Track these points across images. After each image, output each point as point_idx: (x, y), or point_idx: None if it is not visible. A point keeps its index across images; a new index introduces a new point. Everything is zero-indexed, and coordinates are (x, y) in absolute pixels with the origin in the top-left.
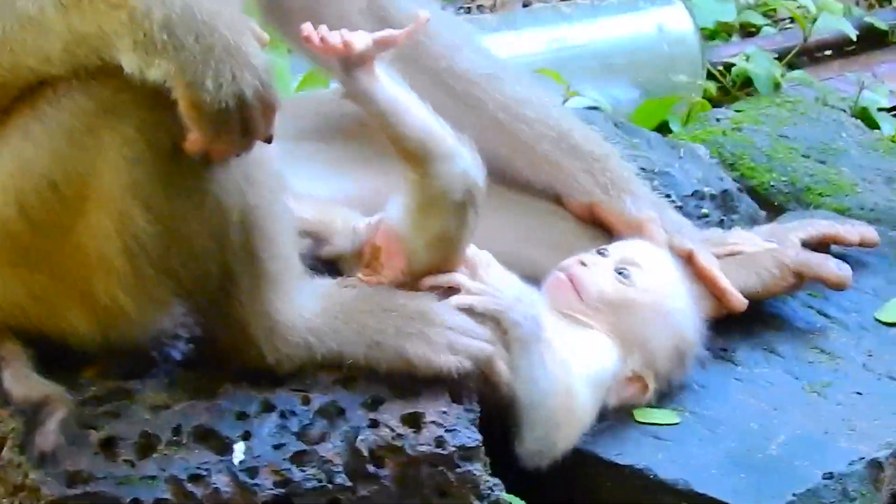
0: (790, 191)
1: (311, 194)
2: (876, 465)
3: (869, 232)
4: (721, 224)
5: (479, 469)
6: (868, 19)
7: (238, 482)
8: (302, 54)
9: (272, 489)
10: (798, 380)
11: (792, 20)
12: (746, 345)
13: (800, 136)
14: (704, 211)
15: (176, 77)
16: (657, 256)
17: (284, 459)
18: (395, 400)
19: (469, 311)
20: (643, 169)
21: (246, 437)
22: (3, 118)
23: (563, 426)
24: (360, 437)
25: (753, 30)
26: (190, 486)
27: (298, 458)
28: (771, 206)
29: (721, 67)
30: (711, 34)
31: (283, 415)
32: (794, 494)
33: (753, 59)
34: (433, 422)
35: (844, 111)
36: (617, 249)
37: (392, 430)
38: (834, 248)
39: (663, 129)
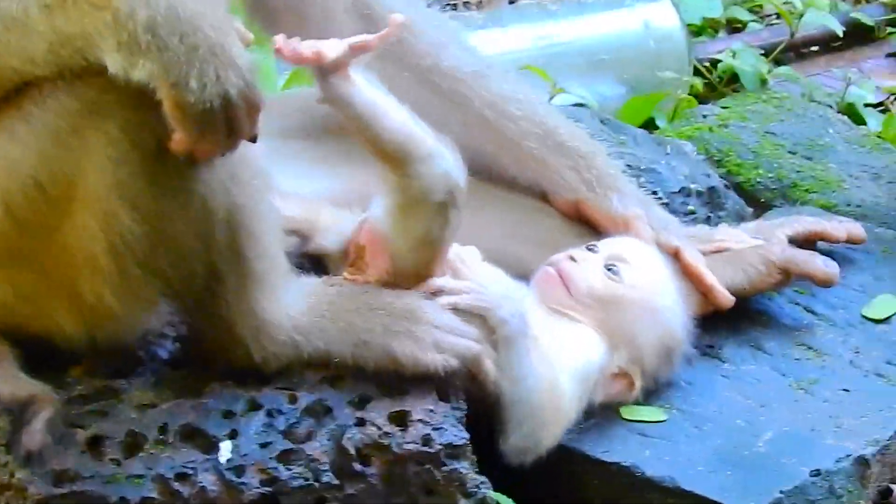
0: (777, 187)
1: (297, 192)
2: (863, 462)
3: (856, 228)
4: (708, 221)
5: (465, 467)
6: (854, 15)
7: (225, 481)
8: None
9: (259, 488)
10: (785, 377)
11: (778, 16)
12: (733, 342)
13: (786, 132)
14: (691, 208)
15: (160, 77)
16: (646, 253)
17: (271, 458)
18: (382, 398)
19: (456, 309)
20: (629, 166)
21: (233, 435)
22: None
23: (548, 423)
24: (346, 436)
25: (740, 26)
26: (176, 485)
27: (285, 457)
28: (757, 202)
29: (707, 64)
30: (698, 30)
31: (269, 413)
32: (781, 491)
33: (740, 55)
34: (420, 420)
35: (831, 107)
36: (606, 246)
37: (379, 428)
38: (821, 244)
39: (650, 125)
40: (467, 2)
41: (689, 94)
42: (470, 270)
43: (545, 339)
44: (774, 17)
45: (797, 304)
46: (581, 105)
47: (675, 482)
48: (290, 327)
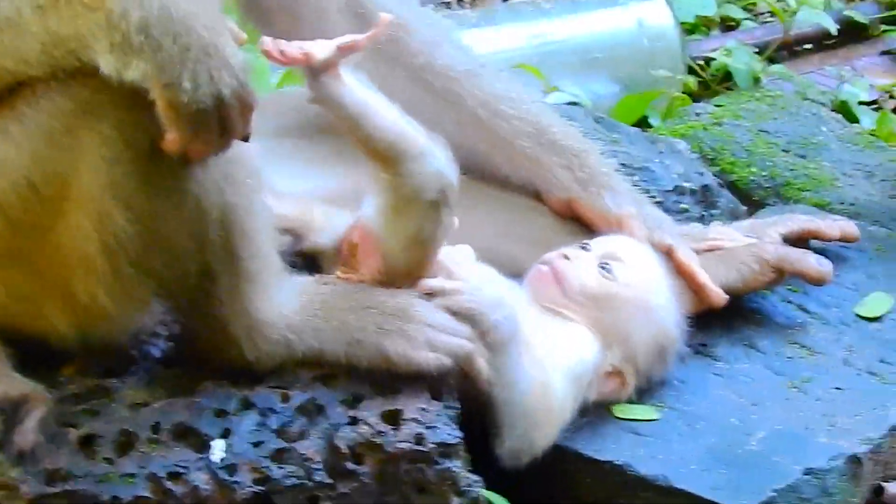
0: (770, 185)
1: (290, 191)
2: (855, 460)
3: (849, 227)
4: (701, 219)
5: (458, 466)
6: (848, 13)
7: (217, 480)
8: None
9: (251, 487)
10: (778, 375)
11: (772, 14)
12: (726, 340)
13: (780, 130)
14: (684, 206)
15: (153, 78)
16: (639, 252)
17: (264, 457)
18: (375, 397)
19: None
20: (623, 164)
21: (225, 434)
22: None
23: (542, 425)
24: (339, 435)
25: (733, 24)
26: (169, 484)
27: (278, 456)
28: (751, 200)
29: (701, 62)
30: (691, 28)
31: (262, 412)
32: (773, 490)
33: (733, 53)
34: (413, 419)
35: (824, 105)
36: (599, 244)
37: (372, 427)
38: (814, 242)
39: (643, 124)
40: (461, 0)
41: (682, 93)
42: (463, 271)
43: (538, 339)
44: (768, 15)
45: (790, 302)
46: (574, 103)
47: (667, 481)
48: (283, 326)
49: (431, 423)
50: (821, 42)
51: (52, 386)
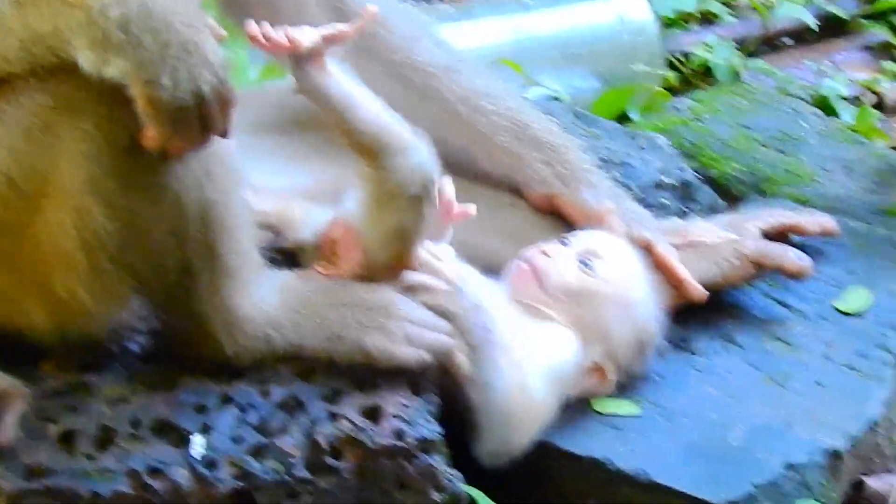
0: (750, 180)
1: (269, 187)
2: (836, 455)
3: (828, 221)
4: (680, 214)
5: (438, 461)
6: (828, 8)
7: (197, 475)
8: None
9: (231, 482)
10: (758, 370)
11: (752, 9)
12: (706, 335)
13: (759, 125)
14: (664, 201)
15: (133, 75)
16: (619, 247)
17: (243, 452)
18: (355, 393)
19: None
20: (603, 159)
21: (205, 430)
22: None
23: (520, 427)
24: (319, 430)
25: (713, 18)
26: (149, 480)
27: (257, 451)
28: (730, 195)
29: (681, 57)
30: (671, 23)
31: (242, 408)
32: (753, 485)
33: (713, 48)
34: (393, 414)
35: (804, 100)
36: (579, 239)
37: (352, 422)
38: (793, 237)
39: (623, 118)
40: None
41: (662, 88)
42: (446, 270)
43: (517, 340)
44: (748, 9)
45: (770, 297)
46: (554, 98)
47: (647, 476)
48: (262, 322)
49: (411, 418)
50: (801, 37)
51: (31, 381)
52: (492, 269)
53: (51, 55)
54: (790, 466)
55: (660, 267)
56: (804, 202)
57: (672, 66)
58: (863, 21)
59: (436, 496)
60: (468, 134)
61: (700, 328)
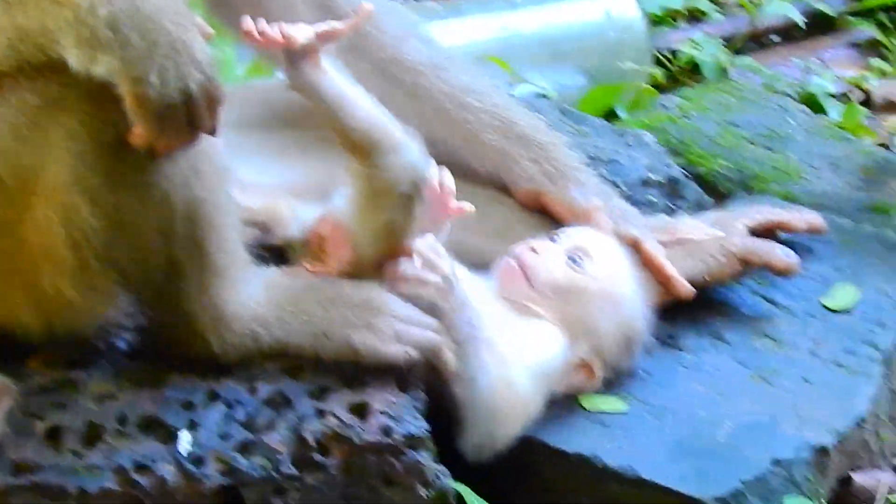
0: (737, 177)
1: (257, 184)
2: (823, 451)
3: (815, 218)
4: (668, 211)
5: (425, 457)
6: (815, 5)
7: (184, 471)
8: (247, 45)
9: (218, 478)
10: (745, 367)
11: (739, 6)
12: (693, 332)
13: (747, 122)
14: (651, 198)
15: (121, 73)
16: (607, 244)
17: (230, 449)
18: (342, 389)
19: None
20: (590, 156)
21: (192, 426)
22: None
23: (505, 422)
24: (306, 427)
25: (701, 16)
26: (136, 476)
27: (244, 448)
28: (718, 192)
29: (668, 54)
30: (658, 20)
31: (229, 404)
32: (741, 481)
33: (700, 45)
34: (380, 411)
35: (791, 97)
36: (568, 236)
37: (339, 419)
38: (781, 234)
39: (610, 116)
40: None
41: (649, 85)
42: (441, 265)
43: (504, 337)
44: (735, 6)
45: (757, 294)
46: (542, 95)
47: (635, 472)
48: (250, 319)
49: (399, 415)
50: (788, 34)
51: (19, 378)
52: (478, 266)
53: (39, 53)
54: (777, 462)
55: (647, 264)
56: (791, 199)
57: (659, 63)
58: (850, 18)
59: (423, 492)
60: (456, 132)
61: (688, 325)
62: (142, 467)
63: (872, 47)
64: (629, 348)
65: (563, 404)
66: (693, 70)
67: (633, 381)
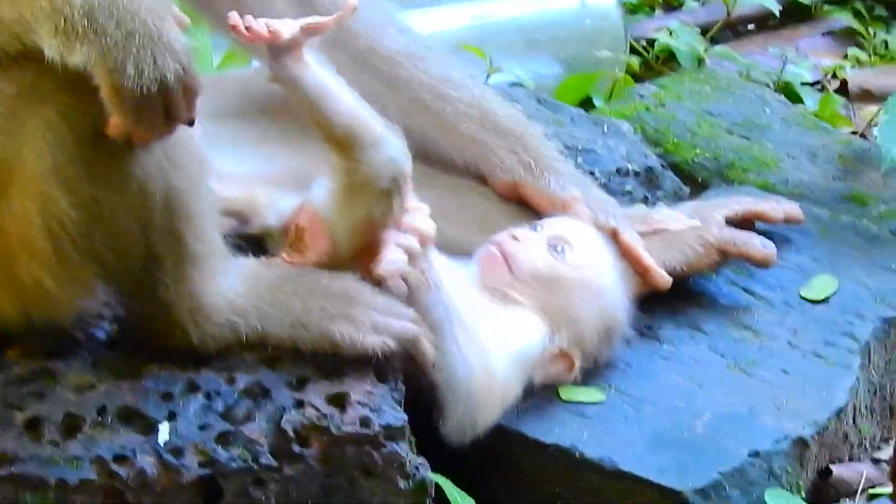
0: (714, 167)
1: (234, 173)
2: (801, 443)
3: (793, 208)
4: (645, 201)
5: (404, 448)
6: None
7: (163, 462)
8: (225, 36)
9: (197, 469)
10: (723, 357)
11: None
12: (671, 322)
13: (723, 111)
14: (628, 188)
15: (97, 63)
16: (587, 234)
17: (209, 440)
18: (321, 380)
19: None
20: (566, 146)
21: (171, 417)
22: None
23: (484, 406)
24: (285, 417)
25: (676, 4)
26: (115, 467)
27: (223, 439)
28: (695, 182)
29: (644, 42)
30: (634, 8)
31: (207, 395)
32: (719, 472)
33: (676, 33)
34: (358, 402)
35: (768, 86)
36: (549, 225)
37: (317, 409)
38: (758, 225)
39: (586, 104)
40: None
41: (625, 73)
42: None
43: (484, 324)
44: None
45: (735, 284)
46: (517, 84)
47: (613, 463)
48: (227, 309)
49: (377, 405)
50: (764, 23)
51: None
52: (457, 256)
53: (15, 42)
54: (756, 454)
55: (625, 254)
56: (768, 189)
57: (635, 51)
58: (826, 7)
59: (402, 483)
60: (433, 122)
61: (666, 316)
62: (121, 458)
63: (849, 36)
64: (609, 338)
65: (542, 395)
66: (669, 59)
67: (611, 371)
